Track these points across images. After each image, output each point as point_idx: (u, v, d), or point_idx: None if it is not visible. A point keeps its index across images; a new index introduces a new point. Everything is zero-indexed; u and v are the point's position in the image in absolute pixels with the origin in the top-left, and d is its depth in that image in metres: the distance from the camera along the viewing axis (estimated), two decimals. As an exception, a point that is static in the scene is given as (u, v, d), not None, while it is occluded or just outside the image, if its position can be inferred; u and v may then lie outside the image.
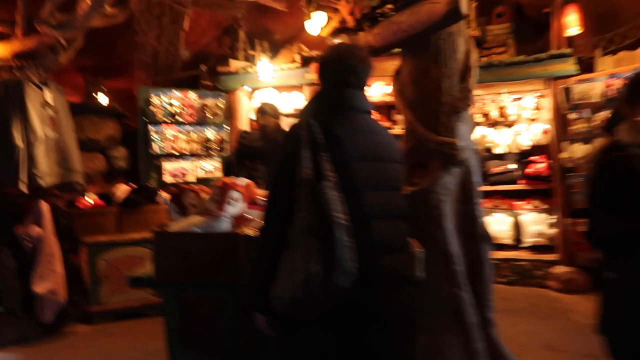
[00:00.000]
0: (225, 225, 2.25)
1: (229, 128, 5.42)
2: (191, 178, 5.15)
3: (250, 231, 2.09)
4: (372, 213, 1.60)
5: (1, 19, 4.10)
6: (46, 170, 3.83)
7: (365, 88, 1.82)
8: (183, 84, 5.65)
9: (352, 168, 1.60)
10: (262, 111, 3.85)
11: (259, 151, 3.68)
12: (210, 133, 5.25)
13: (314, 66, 5.43)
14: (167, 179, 5.04)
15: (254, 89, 5.79)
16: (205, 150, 5.21)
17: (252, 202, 2.44)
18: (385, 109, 6.11)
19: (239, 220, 2.31)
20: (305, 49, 5.63)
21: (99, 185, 5.29)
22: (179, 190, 2.40)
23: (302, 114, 1.79)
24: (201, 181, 5.27)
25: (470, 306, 2.50)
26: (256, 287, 1.63)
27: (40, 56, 4.24)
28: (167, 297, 2.34)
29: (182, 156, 5.16)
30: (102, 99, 5.42)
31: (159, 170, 5.14)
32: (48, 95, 3.95)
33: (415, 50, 2.67)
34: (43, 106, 3.91)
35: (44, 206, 3.79)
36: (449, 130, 2.55)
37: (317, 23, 5.03)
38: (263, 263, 1.61)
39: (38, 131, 3.78)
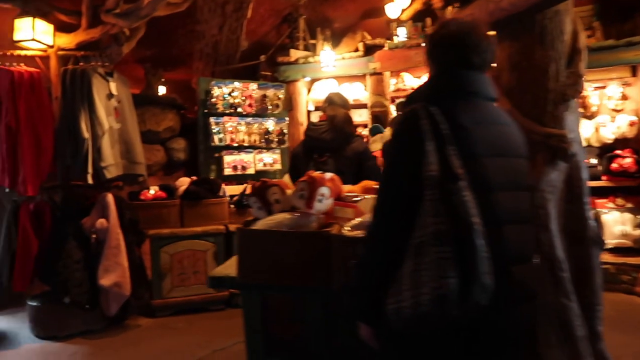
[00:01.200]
0: (313, 223, 2.08)
1: (288, 119, 5.27)
2: (251, 171, 5.03)
3: (345, 230, 1.90)
4: (504, 217, 1.37)
5: (66, 10, 4.06)
6: (112, 162, 3.78)
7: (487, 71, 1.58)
8: (241, 75, 5.54)
9: (483, 164, 1.37)
10: (330, 101, 3.65)
11: (327, 143, 3.47)
12: (270, 124, 5.11)
13: (378, 54, 5.20)
14: (227, 171, 4.94)
15: (313, 80, 5.61)
16: (265, 142, 5.08)
17: (338, 199, 2.25)
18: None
19: (327, 217, 2.13)
20: (368, 36, 5.40)
21: (158, 177, 5.26)
22: (262, 185, 2.23)
23: (413, 100, 1.57)
24: (261, 174, 5.16)
25: (578, 318, 2.23)
26: (365, 296, 1.44)
27: (104, 47, 4.19)
28: (250, 298, 2.18)
29: (241, 148, 5.04)
30: (161, 90, 5.38)
31: (218, 162, 5.05)
32: (113, 86, 3.89)
33: (516, 32, 2.40)
34: (108, 97, 3.85)
35: (110, 198, 3.74)
36: (556, 120, 2.28)
37: (398, 5, 4.78)
38: (375, 270, 1.41)
39: (104, 122, 3.72)
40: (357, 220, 1.99)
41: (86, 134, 3.64)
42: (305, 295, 2.08)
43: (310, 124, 3.63)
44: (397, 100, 5.28)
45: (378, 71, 5.22)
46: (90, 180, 3.67)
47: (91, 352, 3.44)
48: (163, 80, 5.34)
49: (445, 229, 1.25)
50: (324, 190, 2.17)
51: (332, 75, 5.43)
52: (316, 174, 2.23)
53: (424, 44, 1.70)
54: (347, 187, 2.47)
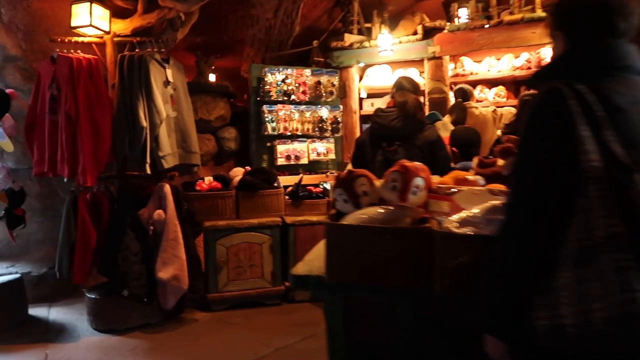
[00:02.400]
0: (407, 218, 1.87)
1: (343, 107, 5.06)
2: (304, 160, 4.85)
3: (452, 227, 1.69)
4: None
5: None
6: (169, 151, 3.66)
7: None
8: (291, 62, 5.36)
9: None
10: (400, 86, 3.41)
11: (397, 131, 3.25)
12: (324, 112, 4.91)
13: (438, 37, 4.92)
14: (280, 161, 4.78)
15: (365, 67, 5.38)
16: (319, 130, 4.89)
17: (429, 191, 2.04)
18: (512, 84, 5.48)
19: (421, 212, 1.92)
20: (427, 19, 5.11)
21: (209, 167, 5.15)
22: (349, 175, 2.04)
23: (546, 78, 1.34)
24: (314, 164, 4.98)
25: None
26: (504, 308, 1.23)
27: (159, 32, 4.07)
28: (335, 299, 2.00)
29: (294, 137, 4.87)
30: (211, 78, 5.25)
31: (271, 152, 4.90)
32: (169, 73, 3.76)
33: None
34: (165, 84, 3.72)
35: (167, 189, 3.63)
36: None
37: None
38: (517, 279, 1.20)
39: (162, 111, 3.60)
40: (461, 215, 1.77)
41: (144, 123, 3.53)
42: (399, 298, 1.89)
43: (378, 110, 3.41)
44: (456, 86, 5.00)
45: (437, 55, 4.95)
46: (148, 171, 3.56)
47: (151, 346, 3.35)
48: (212, 67, 5.19)
49: (622, 231, 1.02)
50: (419, 181, 1.96)
51: (386, 60, 5.18)
52: (409, 163, 2.02)
53: (541, 18, 1.45)
54: (435, 178, 2.24)
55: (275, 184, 4.26)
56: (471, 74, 5.31)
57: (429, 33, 4.98)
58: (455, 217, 1.76)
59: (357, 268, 1.84)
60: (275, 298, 4.12)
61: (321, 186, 4.54)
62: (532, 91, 4.13)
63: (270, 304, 4.10)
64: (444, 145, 3.37)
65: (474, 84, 5.30)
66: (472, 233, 1.67)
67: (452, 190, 2.06)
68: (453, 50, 4.92)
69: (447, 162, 3.32)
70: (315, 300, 4.14)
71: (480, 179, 2.22)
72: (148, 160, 3.55)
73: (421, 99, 3.46)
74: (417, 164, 2.05)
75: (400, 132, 3.26)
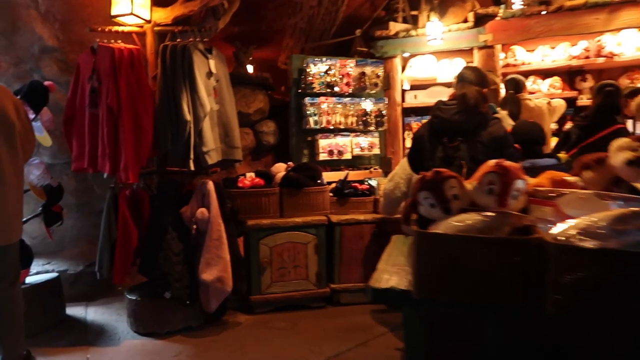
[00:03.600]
0: (507, 226, 1.64)
1: (387, 100, 4.81)
2: (347, 156, 4.63)
3: (575, 238, 1.44)
4: None
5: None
6: (212, 146, 3.47)
7: None
8: (331, 52, 5.12)
9: None
10: (461, 77, 3.16)
11: (460, 126, 3.00)
12: (367, 105, 4.67)
13: (490, 25, 4.64)
14: (322, 156, 4.56)
15: (409, 56, 5.11)
16: (363, 124, 4.65)
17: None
18: (567, 74, 5.15)
19: (526, 219, 1.68)
20: (478, 5, 4.82)
21: (247, 162, 4.97)
22: (437, 176, 1.81)
23: None
24: (356, 159, 4.75)
25: None
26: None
27: (200, 21, 3.88)
28: (417, 316, 1.78)
29: (336, 131, 4.64)
30: (249, 69, 5.05)
31: (311, 146, 4.69)
32: (212, 64, 3.56)
33: None
34: (208, 76, 3.53)
35: (210, 186, 3.44)
36: None
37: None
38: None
39: (206, 104, 3.41)
40: (579, 223, 1.52)
41: (188, 116, 3.34)
42: (496, 316, 1.66)
43: (439, 102, 3.15)
44: (507, 77, 4.70)
45: (489, 44, 4.66)
46: (192, 167, 3.38)
47: (195, 352, 3.18)
48: (250, 59, 4.99)
49: None
50: (520, 184, 1.73)
51: (432, 50, 4.91)
52: (509, 163, 1.77)
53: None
54: (531, 180, 2.00)
55: (320, 181, 4.04)
56: (523, 63, 5.00)
57: (480, 20, 4.69)
58: (571, 226, 1.52)
59: (451, 283, 1.61)
60: (320, 300, 3.92)
61: (366, 183, 4.31)
62: (610, 80, 3.83)
63: (314, 307, 3.90)
64: (511, 141, 3.10)
65: (526, 74, 4.99)
66: (594, 246, 1.43)
67: (552, 193, 1.82)
68: (507, 38, 4.62)
69: (514, 160, 3.05)
70: (362, 303, 3.92)
71: (579, 181, 1.97)
72: (192, 155, 3.36)
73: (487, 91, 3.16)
74: (515, 164, 1.81)
75: (463, 126, 3.01)
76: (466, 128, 3.03)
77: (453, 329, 1.84)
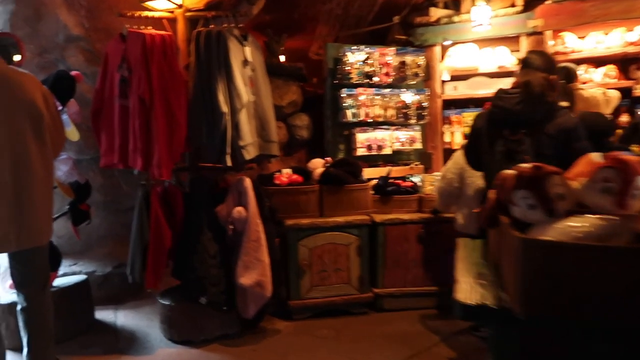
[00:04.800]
0: (626, 231, 1.36)
1: (428, 90, 4.52)
2: (387, 151, 4.35)
3: None
4: None
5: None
6: (250, 140, 3.23)
7: None
8: (366, 41, 4.84)
9: None
10: (526, 63, 2.87)
11: (523, 117, 2.71)
12: (407, 97, 4.39)
13: (541, 9, 4.32)
14: (360, 151, 4.29)
15: (451, 44, 4.81)
16: (403, 117, 4.37)
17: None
18: (620, 62, 4.80)
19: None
20: (528, -12, 4.50)
21: (279, 158, 4.71)
22: (537, 172, 1.53)
23: None
24: (396, 154, 4.48)
25: None
26: None
27: (234, 6, 3.63)
28: (511, 335, 1.52)
29: (375, 124, 4.36)
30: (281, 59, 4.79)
31: (348, 141, 4.42)
32: (248, 52, 3.31)
33: None
34: (244, 64, 3.28)
35: (248, 183, 3.20)
36: None
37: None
38: None
39: (243, 94, 3.16)
40: None
41: (225, 108, 3.10)
42: (620, 337, 1.39)
43: (500, 91, 2.87)
44: (559, 65, 4.36)
45: (539, 30, 4.33)
46: (229, 162, 3.14)
47: (235, 362, 2.96)
48: (282, 48, 4.73)
49: None
50: (643, 181, 1.44)
51: (476, 37, 4.60)
52: (628, 156, 1.50)
53: None
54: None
55: (361, 178, 3.78)
56: (573, 51, 4.65)
57: (529, 5, 4.37)
58: None
59: (564, 299, 1.35)
60: (363, 306, 3.66)
61: (409, 179, 4.03)
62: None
63: (357, 313, 3.64)
64: (583, 134, 2.79)
65: (577, 62, 4.65)
66: None
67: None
68: (559, 23, 4.29)
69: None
70: (407, 309, 3.66)
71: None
72: (228, 150, 3.12)
73: (555, 78, 2.86)
74: (634, 157, 1.53)
75: (527, 118, 2.72)
76: (531, 119, 2.74)
77: (555, 351, 1.57)
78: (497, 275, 1.79)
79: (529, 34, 4.40)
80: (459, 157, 3.37)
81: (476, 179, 3.25)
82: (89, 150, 4.11)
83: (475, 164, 3.03)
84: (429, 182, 3.87)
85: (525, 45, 4.46)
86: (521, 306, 1.40)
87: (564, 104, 3.76)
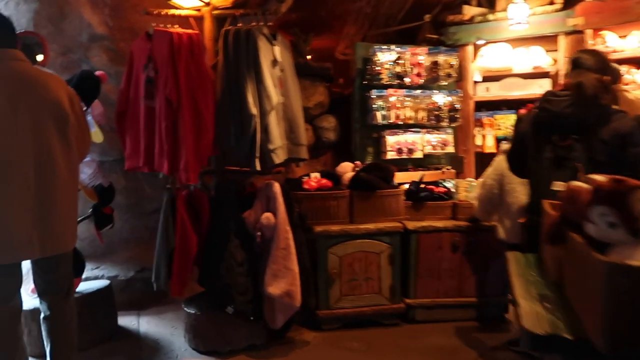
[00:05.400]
0: None
1: (461, 92, 4.34)
2: (418, 154, 4.19)
3: None
4: None
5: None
6: (279, 143, 3.09)
7: None
8: (394, 40, 4.67)
9: None
10: (577, 63, 2.67)
11: (573, 121, 2.54)
12: (439, 98, 4.21)
13: (581, 7, 4.12)
14: (390, 155, 4.13)
15: (483, 44, 4.62)
16: (435, 119, 4.19)
17: None
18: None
19: None
20: (568, -15, 4.29)
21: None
22: (618, 186, 1.37)
23: None
24: (426, 158, 4.31)
25: None
26: None
27: (261, 3, 3.50)
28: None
29: (405, 127, 4.20)
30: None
31: (377, 144, 4.27)
32: (277, 51, 3.18)
33: None
34: (273, 64, 3.14)
35: (277, 188, 3.07)
36: None
37: None
38: None
39: (273, 96, 3.02)
40: None
41: (254, 110, 2.96)
42: None
43: (548, 93, 2.70)
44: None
45: (579, 29, 4.13)
46: (258, 167, 3.00)
47: (263, 376, 2.82)
48: (308, 48, 4.59)
49: None
50: None
51: (512, 37, 4.40)
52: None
53: None
54: None
55: (393, 183, 3.62)
56: (614, 51, 4.42)
57: (569, 2, 4.17)
58: None
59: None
60: (394, 317, 3.50)
61: (441, 185, 3.86)
62: None
63: (387, 324, 3.48)
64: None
65: (618, 63, 4.42)
66: None
67: None
68: (601, 22, 4.08)
69: (641, 162, 2.57)
70: (440, 321, 3.50)
71: None
72: (258, 154, 2.99)
73: (608, 79, 2.67)
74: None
75: (578, 122, 2.55)
76: (582, 123, 2.56)
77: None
78: (562, 297, 1.62)
79: (568, 33, 4.20)
80: (498, 163, 3.20)
81: (516, 185, 3.08)
82: (112, 151, 4.03)
83: (519, 170, 2.86)
84: (463, 188, 3.70)
85: (563, 44, 4.26)
86: (605, 340, 1.23)
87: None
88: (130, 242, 4.19)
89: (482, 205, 3.23)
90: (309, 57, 4.64)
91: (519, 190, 3.06)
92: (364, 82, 4.19)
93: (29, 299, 3.12)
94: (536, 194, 2.64)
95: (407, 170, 4.18)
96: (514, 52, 4.65)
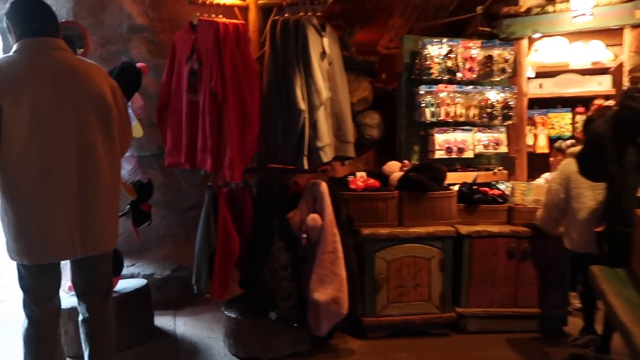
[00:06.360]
0: None
1: (515, 88, 4.08)
2: (469, 154, 3.95)
3: None
4: None
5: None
6: (328, 141, 2.91)
7: None
8: (442, 33, 4.44)
9: None
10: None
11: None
12: (492, 95, 3.96)
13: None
14: (438, 154, 3.90)
15: (537, 38, 4.34)
16: (488, 117, 3.95)
17: None
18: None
19: None
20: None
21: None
22: None
23: None
24: (476, 158, 4.07)
25: None
26: None
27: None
28: None
29: (454, 124, 3.97)
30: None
31: (423, 142, 4.05)
32: (326, 43, 2.99)
33: None
34: (322, 57, 2.96)
35: (324, 188, 2.89)
36: None
37: None
38: None
39: (322, 90, 2.84)
40: None
41: (302, 105, 2.79)
42: None
43: (631, 90, 2.46)
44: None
45: (645, 21, 3.83)
46: (306, 165, 2.83)
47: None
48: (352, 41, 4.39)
49: None
50: None
51: (573, 29, 4.11)
52: None
53: None
54: None
55: (446, 184, 3.41)
56: (684, 45, 4.11)
57: (641, -9, 3.86)
58: None
59: None
60: (444, 327, 3.29)
61: (495, 186, 3.62)
62: None
63: (437, 334, 3.27)
64: None
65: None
66: None
67: None
68: (673, 13, 3.77)
69: None
70: (494, 332, 3.27)
71: None
72: (306, 151, 2.81)
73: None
74: None
75: None
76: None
77: None
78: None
79: (635, 26, 3.90)
80: (565, 166, 2.95)
81: (583, 190, 2.83)
82: (150, 146, 3.93)
83: (594, 175, 2.61)
84: (520, 191, 3.45)
85: (629, 38, 3.96)
86: None
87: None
88: (167, 239, 4.08)
89: (547, 212, 2.98)
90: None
91: (587, 195, 2.82)
92: (412, 77, 3.97)
93: (66, 297, 3.04)
94: (618, 201, 2.40)
95: (455, 170, 3.95)
96: (571, 47, 4.36)
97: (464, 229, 3.27)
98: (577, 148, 2.88)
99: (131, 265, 3.89)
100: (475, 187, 3.51)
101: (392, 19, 4.37)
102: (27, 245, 2.05)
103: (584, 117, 4.45)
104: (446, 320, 3.28)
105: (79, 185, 2.12)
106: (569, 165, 2.89)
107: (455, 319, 3.29)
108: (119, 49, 3.79)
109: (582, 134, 3.06)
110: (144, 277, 3.73)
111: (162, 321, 3.52)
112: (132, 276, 3.75)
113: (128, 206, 3.27)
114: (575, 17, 3.85)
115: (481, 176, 3.79)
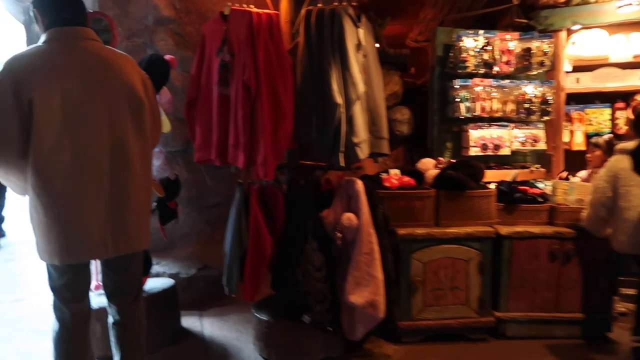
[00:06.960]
0: None
1: (555, 83, 3.91)
2: (505, 151, 3.79)
3: None
4: None
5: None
6: (364, 137, 2.78)
7: None
8: (474, 26, 4.28)
9: None
10: None
11: None
12: (529, 89, 3.79)
13: None
14: (473, 150, 3.75)
15: (575, 30, 4.15)
16: (526, 112, 3.78)
17: None
18: None
19: None
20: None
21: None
22: None
23: None
24: (512, 156, 3.90)
25: None
26: None
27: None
28: None
29: (490, 120, 3.81)
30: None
31: (457, 138, 3.89)
32: (361, 34, 2.85)
33: None
34: (357, 48, 2.82)
35: (359, 186, 2.76)
36: None
37: None
38: None
39: (359, 84, 2.71)
40: None
41: (339, 99, 2.66)
42: None
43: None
44: None
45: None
46: (342, 162, 2.70)
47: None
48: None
49: None
50: None
51: (615, 21, 3.92)
52: None
53: None
54: None
55: (484, 182, 3.26)
56: None
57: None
58: None
59: None
60: (482, 332, 3.15)
61: (535, 185, 3.46)
62: None
63: (475, 339, 3.14)
64: None
65: None
66: None
67: None
68: None
69: None
70: (534, 338, 3.13)
71: None
72: (342, 148, 2.69)
73: None
74: None
75: None
76: None
77: None
78: None
79: (683, 16, 3.71)
80: (613, 163, 2.79)
81: (632, 188, 2.67)
82: (174, 142, 3.84)
83: None
84: (562, 190, 3.29)
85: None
86: None
87: None
88: (191, 237, 3.99)
89: (594, 212, 2.82)
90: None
91: (636, 194, 2.66)
92: (445, 71, 3.82)
93: (93, 297, 2.95)
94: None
95: (490, 168, 3.79)
96: (611, 39, 4.17)
97: (504, 230, 3.12)
98: (630, 144, 2.71)
99: (156, 264, 3.81)
100: (515, 185, 3.35)
101: (423, 11, 4.22)
102: (58, 245, 1.95)
103: (624, 113, 4.28)
104: (484, 325, 3.14)
105: (111, 182, 2.02)
106: (618, 162, 2.73)
107: (494, 324, 3.15)
108: (145, 41, 3.69)
109: (631, 131, 2.89)
110: (170, 276, 3.65)
111: (189, 322, 3.43)
112: (157, 275, 3.66)
113: (155, 203, 3.18)
114: (620, 7, 3.66)
115: (519, 174, 3.64)
